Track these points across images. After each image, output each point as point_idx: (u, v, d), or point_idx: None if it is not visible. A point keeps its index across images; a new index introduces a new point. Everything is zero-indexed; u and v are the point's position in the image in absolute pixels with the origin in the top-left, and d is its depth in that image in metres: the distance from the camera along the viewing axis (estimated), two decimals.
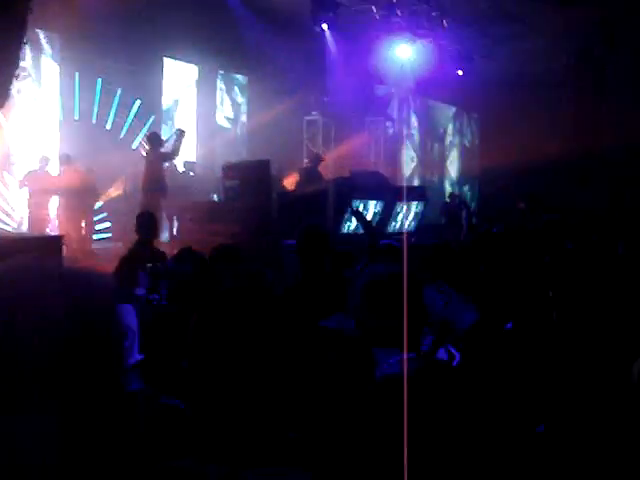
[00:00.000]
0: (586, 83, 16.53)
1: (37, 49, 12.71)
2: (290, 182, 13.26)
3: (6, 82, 5.66)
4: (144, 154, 11.97)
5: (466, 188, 22.19)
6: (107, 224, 13.25)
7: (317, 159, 13.22)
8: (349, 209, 10.48)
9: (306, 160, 14.75)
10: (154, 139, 11.23)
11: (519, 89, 17.55)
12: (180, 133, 11.05)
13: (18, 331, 1.18)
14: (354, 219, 10.72)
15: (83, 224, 12.09)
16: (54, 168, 12.33)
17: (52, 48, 13.01)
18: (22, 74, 11.99)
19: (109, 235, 13.17)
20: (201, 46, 14.32)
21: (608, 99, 17.24)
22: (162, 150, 11.11)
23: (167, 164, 11.53)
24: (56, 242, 6.23)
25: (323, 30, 13.50)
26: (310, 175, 12.29)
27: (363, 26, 14.79)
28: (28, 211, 11.85)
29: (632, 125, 16.57)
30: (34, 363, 1.17)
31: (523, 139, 18.04)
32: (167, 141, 11.54)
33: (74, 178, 11.55)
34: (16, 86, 11.68)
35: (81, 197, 11.67)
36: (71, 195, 11.56)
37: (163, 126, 14.78)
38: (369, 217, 11.19)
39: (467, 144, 22.88)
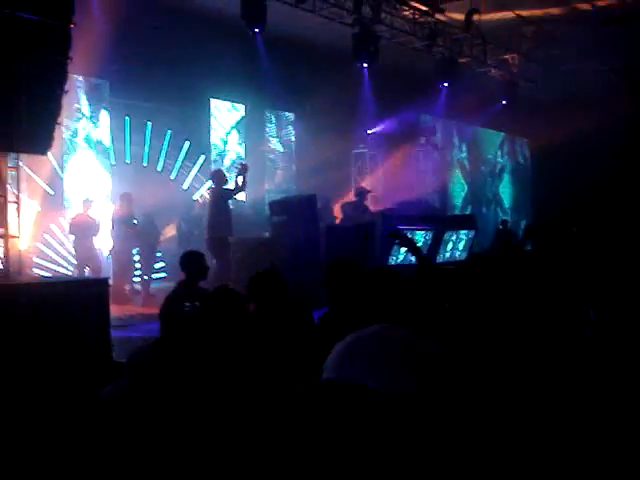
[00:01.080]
0: (634, 98, 16.29)
1: (91, 96, 13.13)
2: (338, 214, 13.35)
3: (50, 130, 5.83)
4: (207, 194, 12.03)
5: (517, 215, 21.91)
6: (162, 264, 13.45)
7: (363, 193, 13.24)
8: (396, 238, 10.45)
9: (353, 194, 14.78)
10: (219, 176, 11.19)
11: (567, 111, 17.36)
12: (243, 167, 10.98)
13: None
14: (402, 249, 10.70)
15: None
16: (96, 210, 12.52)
17: (102, 94, 13.35)
18: (75, 116, 12.59)
19: (164, 275, 13.35)
20: (247, 85, 14.56)
21: None
22: (227, 186, 11.02)
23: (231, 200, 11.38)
24: (102, 284, 6.36)
25: (364, 66, 13.53)
26: (357, 209, 12.32)
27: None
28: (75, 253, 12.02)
29: None
30: None
31: (575, 161, 17.88)
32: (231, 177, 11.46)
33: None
34: (68, 132, 12.30)
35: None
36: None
37: (213, 165, 15.04)
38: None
39: (519, 169, 22.65)
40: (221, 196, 10.81)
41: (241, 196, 12.74)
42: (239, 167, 11.15)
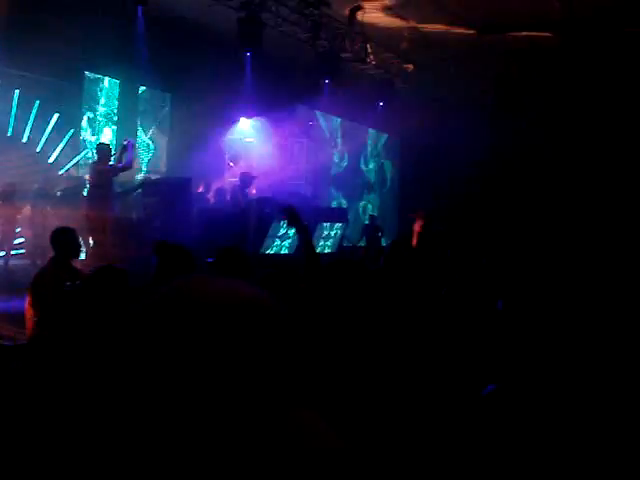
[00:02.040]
0: (502, 107, 17.06)
1: None
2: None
3: None
4: (89, 169, 11.44)
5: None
6: (21, 239, 12.84)
7: (248, 178, 12.96)
8: (296, 223, 10.42)
9: (234, 179, 14.55)
10: (104, 151, 10.65)
11: (440, 114, 17.94)
12: (129, 144, 10.52)
13: None
14: (278, 240, 10.71)
15: None
16: None
17: None
18: None
19: (22, 252, 12.75)
20: (123, 62, 14.11)
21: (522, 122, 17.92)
22: (111, 163, 10.51)
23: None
24: None
25: (246, 54, 13.42)
26: (238, 194, 12.11)
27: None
28: None
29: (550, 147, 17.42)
30: None
31: (443, 161, 18.56)
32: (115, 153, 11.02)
33: None
34: None
35: None
36: None
37: (82, 140, 14.53)
38: (288, 239, 11.22)
39: (390, 167, 23.16)
40: (103, 172, 10.33)
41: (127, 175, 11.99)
42: (124, 143, 10.62)
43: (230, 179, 15.56)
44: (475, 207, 18.03)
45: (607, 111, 17.26)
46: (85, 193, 10.64)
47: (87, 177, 11.53)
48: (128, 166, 10.66)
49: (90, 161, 12.61)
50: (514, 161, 18.28)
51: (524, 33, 14.88)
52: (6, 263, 11.74)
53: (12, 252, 11.88)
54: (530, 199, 17.77)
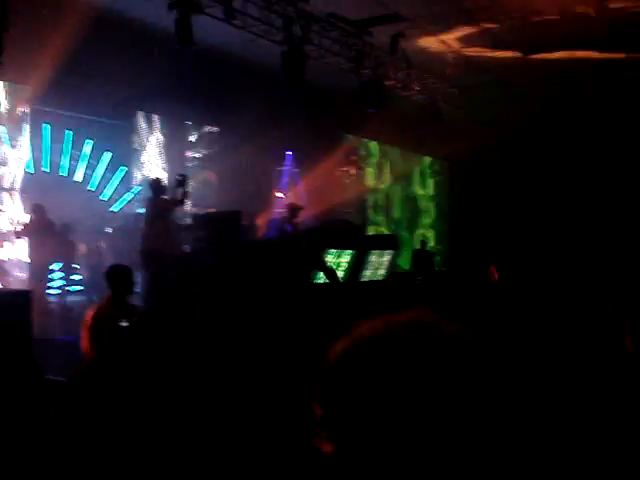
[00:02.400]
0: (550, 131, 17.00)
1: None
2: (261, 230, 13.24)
3: None
4: (144, 204, 11.61)
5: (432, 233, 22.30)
6: (79, 276, 13.12)
7: (295, 209, 13.02)
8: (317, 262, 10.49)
9: (282, 210, 14.67)
10: (158, 185, 10.78)
11: (487, 137, 17.90)
12: (183, 178, 10.56)
13: None
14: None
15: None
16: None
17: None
18: None
19: (81, 288, 13.02)
20: (173, 98, 14.41)
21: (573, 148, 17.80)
22: (165, 197, 10.64)
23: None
24: (24, 296, 6.15)
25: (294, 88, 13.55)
26: (285, 224, 12.20)
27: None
28: None
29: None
30: None
31: (493, 183, 18.44)
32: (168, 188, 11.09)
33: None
34: None
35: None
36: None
37: (135, 177, 14.88)
38: (341, 267, 11.26)
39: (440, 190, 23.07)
40: (159, 206, 10.46)
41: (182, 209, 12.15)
42: (179, 178, 10.66)
43: (279, 210, 15.68)
44: (527, 227, 17.88)
45: None
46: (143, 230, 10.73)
47: (143, 211, 11.69)
48: (183, 201, 10.81)
49: (145, 196, 12.77)
50: (564, 180, 18.08)
51: (569, 53, 14.80)
52: (64, 300, 12.00)
53: (68, 288, 12.13)
54: (583, 216, 17.54)
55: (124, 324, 4.31)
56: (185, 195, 10.64)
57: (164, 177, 13.78)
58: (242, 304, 7.72)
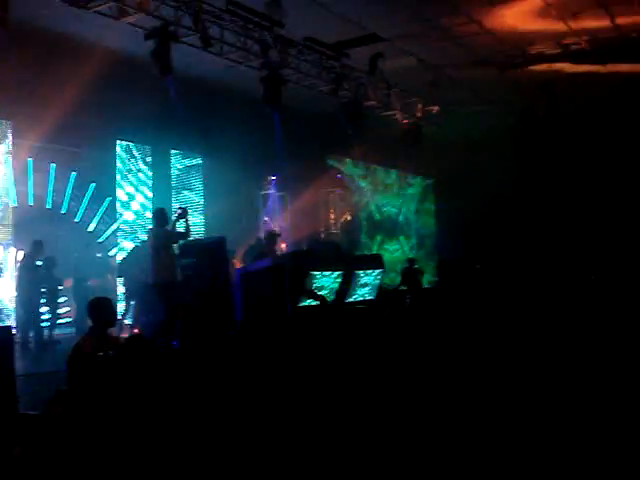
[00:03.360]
0: (527, 142, 17.15)
1: None
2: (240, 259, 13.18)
3: None
4: (147, 234, 11.44)
5: (421, 253, 22.33)
6: (67, 309, 13.10)
7: (273, 236, 12.98)
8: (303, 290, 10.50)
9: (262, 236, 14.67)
10: (162, 215, 10.58)
11: (468, 152, 18.05)
12: (183, 211, 10.46)
13: None
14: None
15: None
16: None
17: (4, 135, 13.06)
18: None
19: (70, 320, 12.99)
20: (153, 127, 14.49)
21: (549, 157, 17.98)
22: (169, 228, 10.47)
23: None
24: (5, 333, 6.15)
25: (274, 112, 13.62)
26: (263, 253, 12.12)
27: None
28: None
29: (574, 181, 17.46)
30: None
31: (474, 200, 18.53)
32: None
33: None
34: None
35: None
36: None
37: (119, 207, 14.91)
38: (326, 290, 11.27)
39: (423, 207, 23.15)
40: (164, 237, 10.34)
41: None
42: (179, 212, 10.53)
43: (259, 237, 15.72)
44: (510, 241, 18.00)
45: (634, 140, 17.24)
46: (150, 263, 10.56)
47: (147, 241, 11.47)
48: (188, 234, 10.75)
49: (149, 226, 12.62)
50: (545, 193, 18.24)
51: (545, 65, 14.97)
52: (51, 332, 11.98)
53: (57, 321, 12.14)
54: (567, 232, 17.69)
55: (100, 357, 4.32)
56: (188, 228, 10.62)
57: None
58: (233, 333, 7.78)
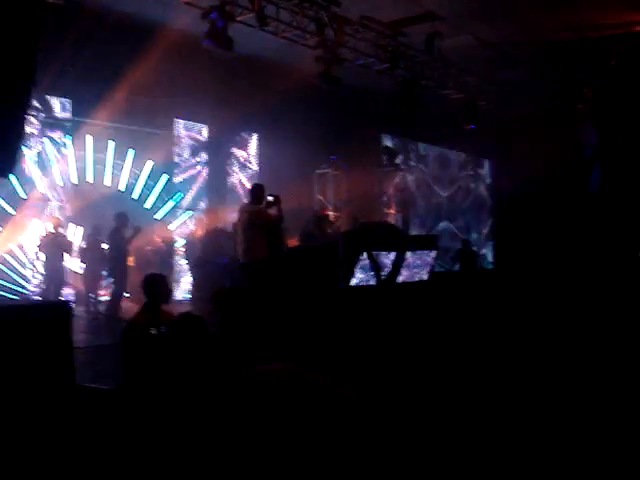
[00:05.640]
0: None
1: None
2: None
3: (14, 152, 5.77)
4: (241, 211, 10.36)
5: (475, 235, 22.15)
6: None
7: (322, 218, 12.85)
8: (367, 255, 10.47)
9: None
10: (260, 192, 9.91)
11: (527, 133, 17.77)
12: (276, 199, 9.75)
13: None
14: (359, 273, 10.76)
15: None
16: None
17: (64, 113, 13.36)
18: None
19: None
20: (211, 106, 14.62)
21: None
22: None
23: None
24: (64, 308, 6.31)
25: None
26: (311, 235, 12.10)
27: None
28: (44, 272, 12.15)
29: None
30: None
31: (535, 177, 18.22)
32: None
33: None
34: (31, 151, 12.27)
35: None
36: None
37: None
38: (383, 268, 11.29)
39: (482, 190, 22.94)
40: (257, 214, 9.78)
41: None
42: (271, 199, 9.80)
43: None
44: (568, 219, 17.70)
45: None
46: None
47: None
48: (282, 220, 10.04)
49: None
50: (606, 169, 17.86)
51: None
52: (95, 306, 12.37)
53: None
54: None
55: (153, 332, 4.42)
56: (281, 215, 9.92)
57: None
58: (278, 309, 7.81)
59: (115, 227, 12.11)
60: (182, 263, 14.76)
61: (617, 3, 13.06)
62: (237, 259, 10.23)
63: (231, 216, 13.18)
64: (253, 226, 9.72)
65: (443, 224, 21.22)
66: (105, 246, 12.39)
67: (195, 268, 13.43)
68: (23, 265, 12.60)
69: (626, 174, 17.40)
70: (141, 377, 3.49)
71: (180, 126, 15.56)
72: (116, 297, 12.08)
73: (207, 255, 13.01)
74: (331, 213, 13.67)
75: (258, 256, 9.62)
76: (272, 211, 9.80)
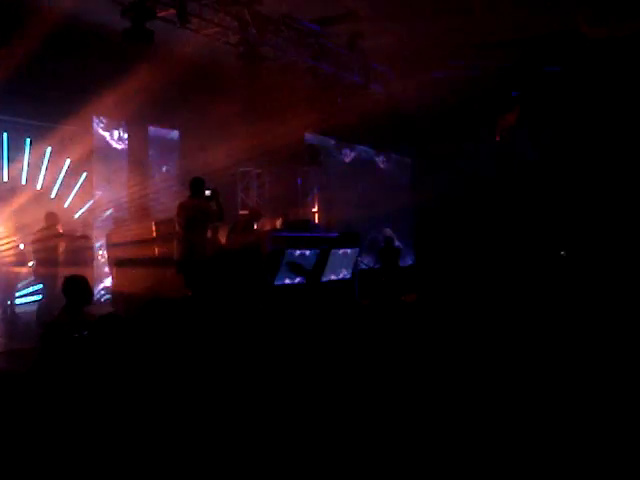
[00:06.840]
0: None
1: None
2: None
3: None
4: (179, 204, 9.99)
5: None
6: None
7: (256, 215, 12.86)
8: (285, 264, 10.52)
9: (243, 212, 14.62)
10: (199, 185, 9.59)
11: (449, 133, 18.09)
12: (215, 192, 9.57)
13: None
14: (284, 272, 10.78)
15: None
16: None
17: None
18: None
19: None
20: (128, 102, 14.34)
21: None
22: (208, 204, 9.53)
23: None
24: None
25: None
26: (246, 230, 12.08)
27: None
28: None
29: None
30: None
31: (456, 178, 18.54)
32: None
33: None
34: None
35: None
36: None
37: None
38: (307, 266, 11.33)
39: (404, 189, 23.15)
40: (199, 211, 9.48)
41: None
42: (211, 192, 9.57)
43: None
44: (489, 221, 18.06)
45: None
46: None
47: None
48: (221, 217, 9.85)
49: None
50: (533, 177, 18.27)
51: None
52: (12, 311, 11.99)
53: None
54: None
55: (75, 337, 4.32)
56: (221, 211, 9.70)
57: None
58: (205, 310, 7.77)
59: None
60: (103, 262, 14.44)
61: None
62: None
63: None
64: (195, 221, 9.51)
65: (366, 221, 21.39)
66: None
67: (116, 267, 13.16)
68: None
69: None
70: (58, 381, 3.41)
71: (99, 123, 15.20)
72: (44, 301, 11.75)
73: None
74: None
75: (198, 256, 9.41)
76: (212, 205, 9.57)
